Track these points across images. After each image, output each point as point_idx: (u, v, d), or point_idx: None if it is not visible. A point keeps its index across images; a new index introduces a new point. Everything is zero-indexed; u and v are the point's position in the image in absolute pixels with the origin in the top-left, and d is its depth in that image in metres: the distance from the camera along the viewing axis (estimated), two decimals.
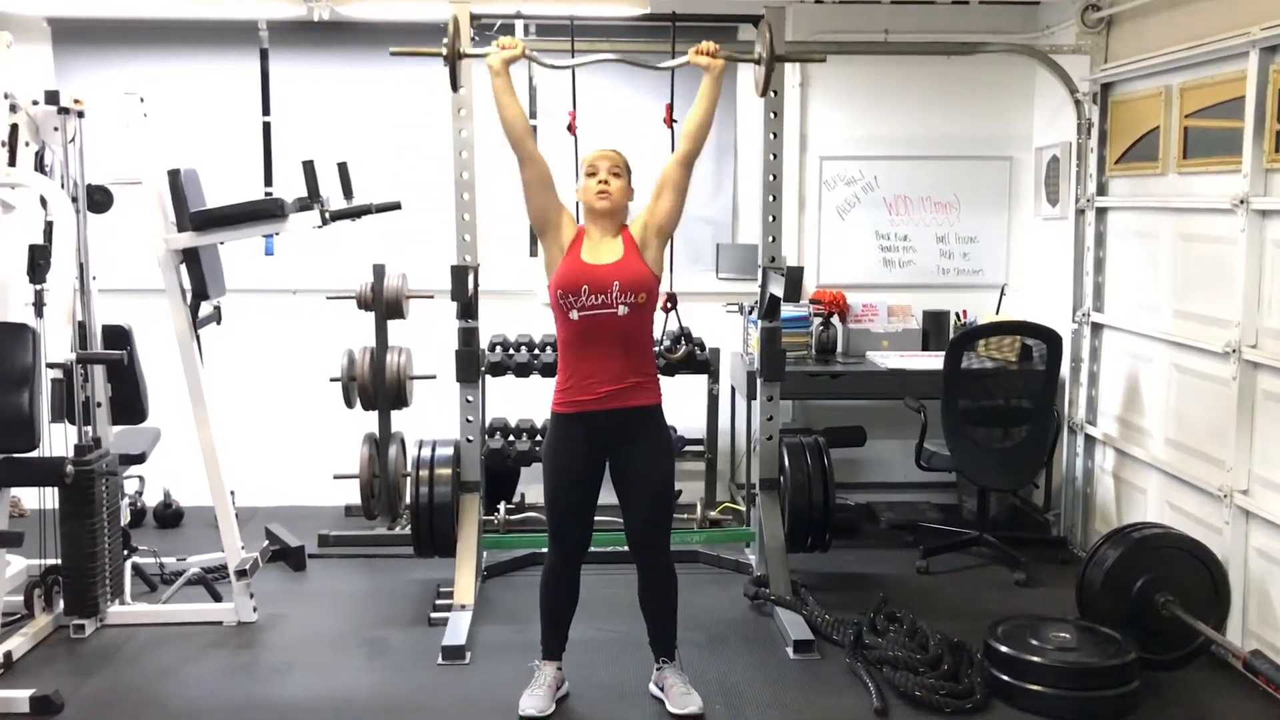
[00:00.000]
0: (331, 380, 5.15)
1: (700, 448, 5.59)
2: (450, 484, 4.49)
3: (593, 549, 3.60)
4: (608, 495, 3.52)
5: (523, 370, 5.16)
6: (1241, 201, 3.87)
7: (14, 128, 3.90)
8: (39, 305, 3.83)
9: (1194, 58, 4.21)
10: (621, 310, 3.37)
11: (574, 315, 3.38)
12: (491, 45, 3.54)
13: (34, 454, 3.76)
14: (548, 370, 5.07)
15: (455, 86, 3.85)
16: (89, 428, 4.11)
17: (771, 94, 4.38)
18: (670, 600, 3.60)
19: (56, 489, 3.92)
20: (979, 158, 5.87)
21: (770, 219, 4.52)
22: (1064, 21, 5.23)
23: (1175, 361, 4.42)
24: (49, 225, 3.94)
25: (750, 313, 5.32)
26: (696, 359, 5.18)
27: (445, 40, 3.67)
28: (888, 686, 3.66)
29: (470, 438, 4.52)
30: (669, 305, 4.25)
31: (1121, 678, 3.55)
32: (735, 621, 4.31)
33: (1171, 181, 4.46)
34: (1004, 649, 3.63)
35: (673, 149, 4.38)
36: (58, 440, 3.93)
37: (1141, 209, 4.73)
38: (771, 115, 4.44)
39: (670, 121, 4.11)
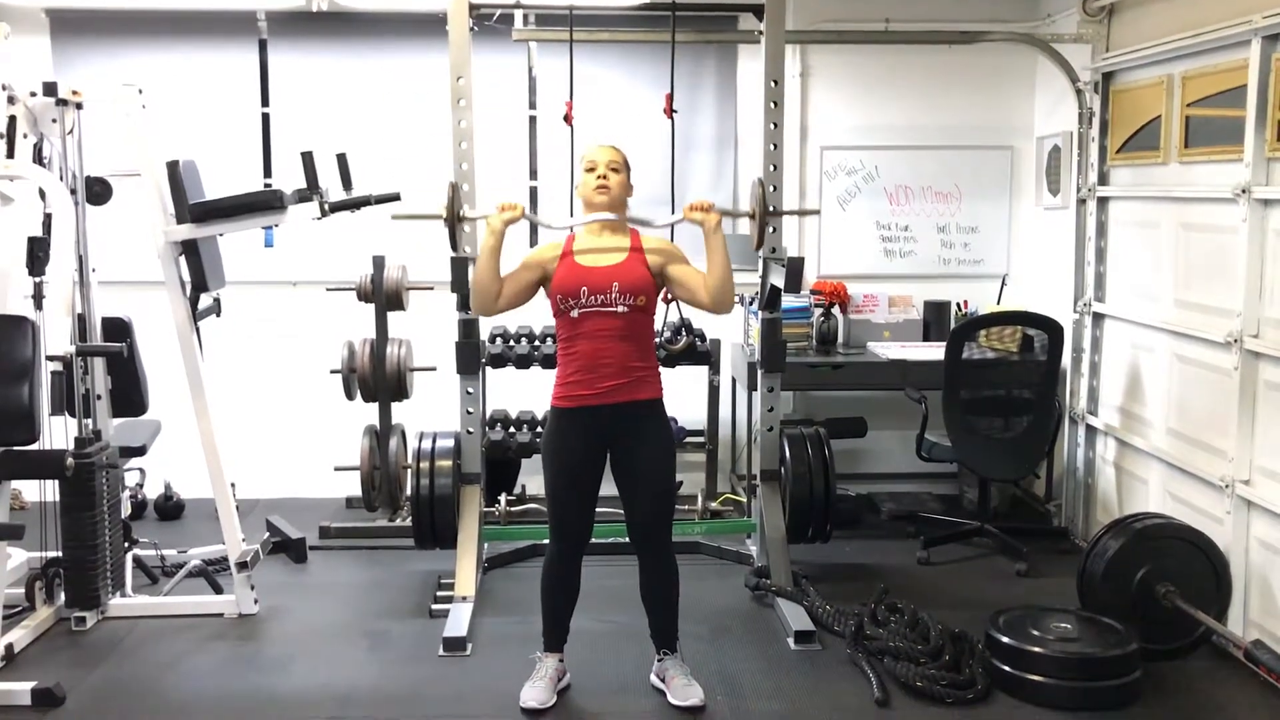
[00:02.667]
0: (332, 372, 5.15)
1: (701, 439, 5.58)
2: (451, 476, 4.49)
3: (594, 540, 3.60)
4: (609, 486, 3.52)
5: (523, 362, 5.16)
6: (1243, 191, 3.86)
7: (12, 119, 3.89)
8: (38, 298, 3.83)
9: (1196, 46, 4.19)
10: (621, 309, 3.37)
11: (574, 314, 3.39)
12: (493, 208, 3.51)
13: (34, 447, 3.76)
14: (548, 362, 5.06)
15: (455, 247, 3.93)
16: (89, 420, 4.11)
17: (772, 84, 4.37)
18: (671, 591, 3.60)
19: (57, 482, 3.92)
20: (980, 147, 5.85)
21: (771, 209, 4.50)
22: (1065, 10, 5.22)
23: (1177, 351, 4.41)
24: (48, 217, 3.93)
25: (751, 304, 5.31)
26: (697, 350, 5.17)
27: (445, 205, 3.76)
28: (889, 677, 3.66)
29: (471, 429, 4.52)
30: (670, 297, 4.24)
31: (1123, 668, 3.55)
32: (736, 612, 4.31)
33: (1173, 171, 4.45)
34: (1005, 639, 3.62)
35: (672, 140, 4.39)
36: (58, 433, 3.93)
37: (1143, 198, 4.71)
38: (772, 105, 4.43)
39: (670, 111, 4.10)
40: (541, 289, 3.51)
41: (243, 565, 4.23)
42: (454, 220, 3.78)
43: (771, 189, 4.49)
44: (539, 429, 5.22)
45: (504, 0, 4.82)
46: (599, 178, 3.45)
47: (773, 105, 4.44)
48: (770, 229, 4.23)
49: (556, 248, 3.49)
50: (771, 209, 3.83)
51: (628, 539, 3.58)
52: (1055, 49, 5.13)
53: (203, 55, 5.64)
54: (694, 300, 3.52)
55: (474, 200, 4.42)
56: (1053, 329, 4.77)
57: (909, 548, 5.00)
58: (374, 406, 5.17)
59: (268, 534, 4.93)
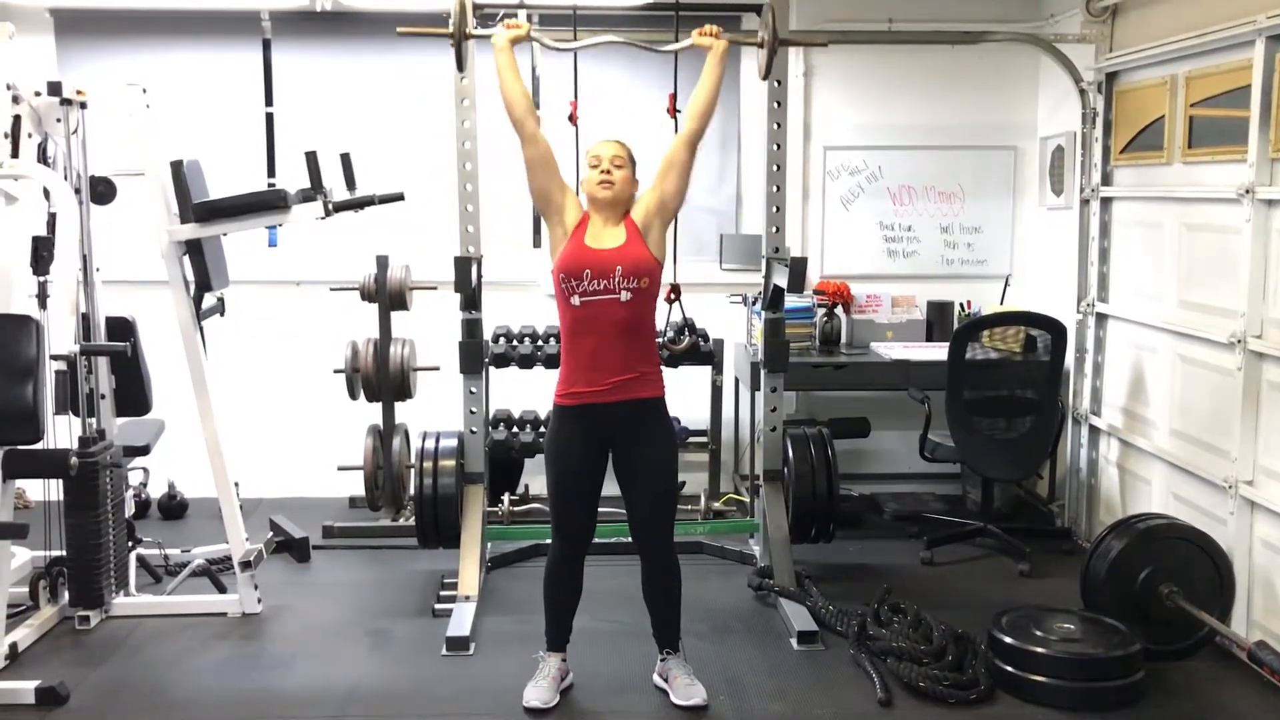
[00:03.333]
0: (335, 372, 5.15)
1: (704, 439, 5.58)
2: (454, 475, 4.49)
3: (596, 540, 3.61)
4: (611, 486, 3.52)
5: (526, 362, 5.16)
6: (1247, 191, 3.86)
7: (16, 119, 3.90)
8: (42, 297, 3.83)
9: (1199, 46, 4.19)
10: (624, 295, 3.36)
11: (576, 301, 3.37)
12: (497, 25, 3.53)
13: (38, 446, 3.76)
14: (551, 362, 5.07)
15: (461, 66, 3.86)
16: (93, 419, 4.11)
17: (775, 83, 4.37)
18: (674, 591, 3.60)
19: (61, 481, 3.92)
20: (983, 147, 5.85)
21: (774, 209, 4.51)
22: (1069, 10, 5.21)
23: (1180, 352, 4.40)
24: (52, 217, 3.93)
25: (754, 303, 5.32)
26: (700, 350, 5.17)
27: (451, 20, 3.66)
28: (891, 677, 3.66)
29: (474, 429, 4.52)
30: (673, 296, 4.24)
31: (1126, 669, 3.55)
32: (739, 612, 4.31)
33: (1177, 171, 4.45)
34: (1008, 640, 3.62)
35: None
36: (62, 432, 3.93)
37: (1146, 199, 4.71)
38: (775, 105, 4.43)
39: (673, 111, 4.10)
40: (546, 284, 3.51)
41: (246, 564, 4.23)
42: (460, 37, 3.71)
43: (775, 189, 4.50)
44: (542, 429, 5.23)
45: (507, 0, 4.83)
46: (603, 172, 3.45)
47: (776, 105, 4.44)
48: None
49: (576, 215, 3.49)
50: (780, 38, 3.78)
51: (630, 538, 3.58)
52: (1059, 49, 5.13)
53: (207, 55, 5.65)
54: (676, 157, 3.51)
55: (478, 202, 4.42)
56: (1056, 329, 4.77)
57: (912, 548, 5.00)
58: (377, 406, 5.17)
59: (271, 533, 4.93)
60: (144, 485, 5.52)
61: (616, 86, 5.55)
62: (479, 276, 4.43)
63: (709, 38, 3.58)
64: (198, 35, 5.62)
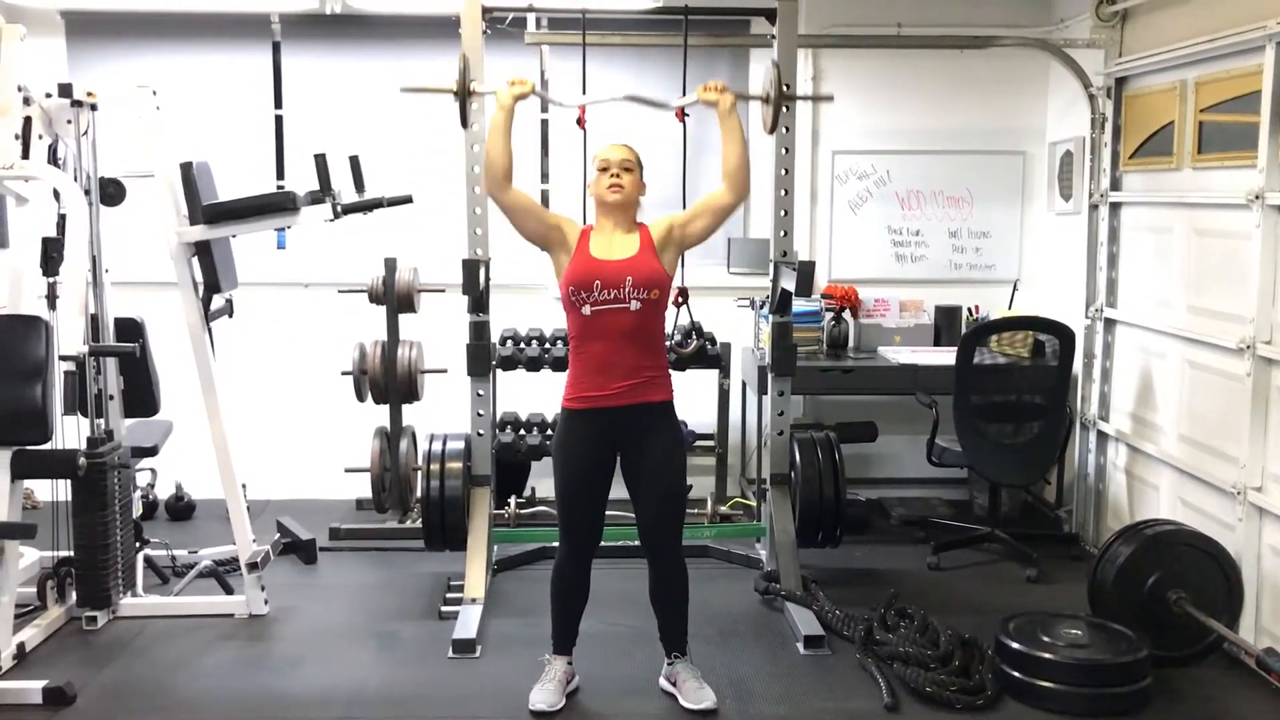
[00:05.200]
0: (343, 374, 5.16)
1: (711, 443, 5.58)
2: (461, 478, 4.49)
3: (603, 543, 3.60)
4: (619, 490, 3.52)
5: (534, 364, 5.16)
6: (1257, 197, 3.85)
7: (27, 120, 3.91)
8: (52, 298, 3.85)
9: (1209, 51, 4.18)
10: (634, 305, 3.36)
11: (586, 310, 3.37)
12: (503, 82, 3.52)
13: (47, 446, 3.77)
14: (559, 364, 5.07)
15: (465, 123, 3.89)
16: (101, 420, 4.13)
17: (784, 88, 4.36)
18: (681, 595, 3.60)
19: (69, 481, 3.93)
20: (992, 152, 5.85)
21: (782, 213, 4.50)
22: (1078, 15, 5.21)
23: (1189, 357, 4.39)
24: (62, 218, 3.95)
25: (761, 307, 5.31)
26: (707, 354, 5.17)
27: (456, 79, 3.71)
28: (898, 682, 3.65)
29: (481, 432, 4.52)
30: (680, 300, 4.24)
31: (1133, 674, 3.54)
32: (745, 616, 4.31)
33: (1186, 176, 4.44)
34: (1015, 645, 3.61)
35: (684, 144, 4.39)
36: (70, 433, 3.94)
37: (1156, 204, 4.70)
38: (783, 109, 4.42)
39: (681, 116, 4.10)
40: (554, 287, 3.51)
41: (253, 566, 4.24)
42: (464, 94, 3.73)
43: (783, 193, 4.49)
44: (549, 431, 5.23)
45: (517, 4, 4.84)
46: (612, 176, 3.45)
47: (784, 109, 4.43)
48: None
49: (575, 232, 3.49)
50: (786, 88, 3.77)
51: (638, 542, 3.58)
52: (1068, 54, 5.12)
53: (216, 57, 5.66)
54: (716, 206, 3.49)
55: (486, 206, 4.42)
56: (1064, 334, 4.75)
57: (919, 553, 4.99)
58: (385, 408, 5.18)
59: (278, 535, 4.95)
60: (152, 486, 5.53)
61: (624, 90, 5.54)
62: (487, 279, 4.43)
63: (713, 93, 3.51)
64: (208, 38, 5.64)
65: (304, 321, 5.75)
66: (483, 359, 4.48)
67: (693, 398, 5.28)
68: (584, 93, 4.30)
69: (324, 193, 4.22)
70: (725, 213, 3.52)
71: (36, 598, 4.11)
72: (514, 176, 3.47)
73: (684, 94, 4.11)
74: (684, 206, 4.33)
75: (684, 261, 4.18)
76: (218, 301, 4.38)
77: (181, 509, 5.53)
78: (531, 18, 5.37)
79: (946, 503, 5.77)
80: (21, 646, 3.82)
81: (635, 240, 3.46)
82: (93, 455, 3.90)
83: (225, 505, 4.29)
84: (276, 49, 5.64)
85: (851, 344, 5.72)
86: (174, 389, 4.63)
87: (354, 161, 4.34)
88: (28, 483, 4.20)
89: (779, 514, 4.56)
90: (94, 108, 4.10)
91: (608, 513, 3.56)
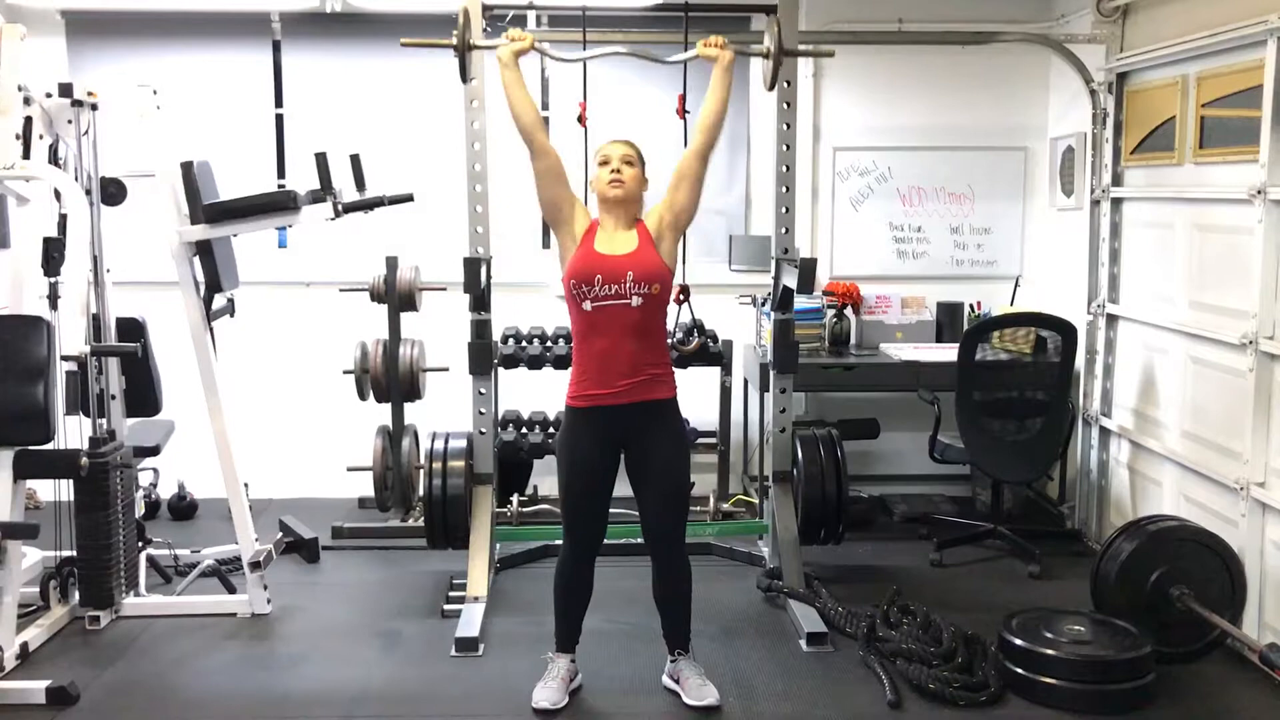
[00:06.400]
0: (344, 373, 5.16)
1: (713, 440, 5.58)
2: (463, 476, 4.49)
3: (607, 541, 3.60)
4: (622, 488, 3.52)
5: (535, 362, 5.16)
6: (1259, 192, 3.84)
7: (28, 120, 3.91)
8: (53, 298, 3.84)
9: (1211, 46, 4.17)
10: (635, 301, 3.36)
11: (587, 306, 3.37)
12: (501, 38, 3.53)
13: (49, 446, 3.78)
14: (560, 362, 5.07)
15: (465, 78, 3.87)
16: (103, 420, 4.13)
17: (784, 84, 4.37)
18: (684, 593, 3.60)
19: (72, 481, 3.93)
20: (993, 148, 5.84)
21: (783, 210, 4.50)
22: (1079, 10, 5.20)
23: (1191, 353, 4.39)
24: (63, 218, 3.95)
25: (763, 305, 5.30)
26: (709, 351, 5.16)
27: (455, 31, 3.67)
28: (901, 679, 3.65)
29: (483, 430, 4.52)
30: (681, 298, 4.24)
31: (1136, 671, 3.53)
32: (748, 614, 4.31)
33: (1188, 172, 4.43)
34: (1018, 642, 3.61)
35: (685, 141, 4.39)
36: (72, 433, 3.95)
37: (1157, 199, 4.70)
38: (784, 106, 4.43)
39: (682, 113, 4.10)
40: (556, 285, 3.50)
41: (256, 565, 4.24)
42: (464, 48, 3.71)
43: (784, 190, 4.49)
44: (551, 429, 5.23)
45: (517, 1, 4.83)
46: (613, 171, 3.45)
47: (785, 106, 4.44)
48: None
49: (585, 221, 3.49)
50: (785, 48, 3.75)
51: (641, 540, 3.58)
52: (1069, 49, 5.12)
53: (217, 56, 5.66)
54: (688, 166, 3.50)
55: (488, 204, 4.42)
56: (1066, 330, 4.75)
57: (921, 549, 4.99)
58: (387, 407, 5.18)
59: (281, 534, 4.95)
60: (154, 486, 5.54)
61: (626, 86, 5.55)
62: (488, 277, 4.43)
63: (714, 48, 3.54)
64: (208, 37, 5.63)
65: (305, 320, 5.74)
66: (485, 357, 4.48)
67: (695, 395, 5.27)
68: (584, 93, 4.29)
69: (325, 191, 4.21)
70: (698, 169, 3.50)
71: (39, 597, 4.11)
72: (545, 129, 3.50)
73: (683, 90, 4.11)
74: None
75: (685, 259, 4.19)
76: (219, 301, 4.37)
77: (184, 508, 5.53)
78: (532, 15, 5.36)
79: (949, 499, 5.77)
80: (25, 646, 3.82)
81: (634, 236, 3.46)
82: (95, 455, 3.91)
83: (228, 504, 4.28)
84: (277, 48, 5.64)
85: (853, 341, 5.72)
86: (176, 388, 4.63)
87: (355, 160, 4.34)
88: (30, 483, 4.21)
89: (781, 511, 4.56)
90: (94, 107, 4.10)
91: (611, 510, 3.56)
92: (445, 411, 5.09)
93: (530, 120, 3.47)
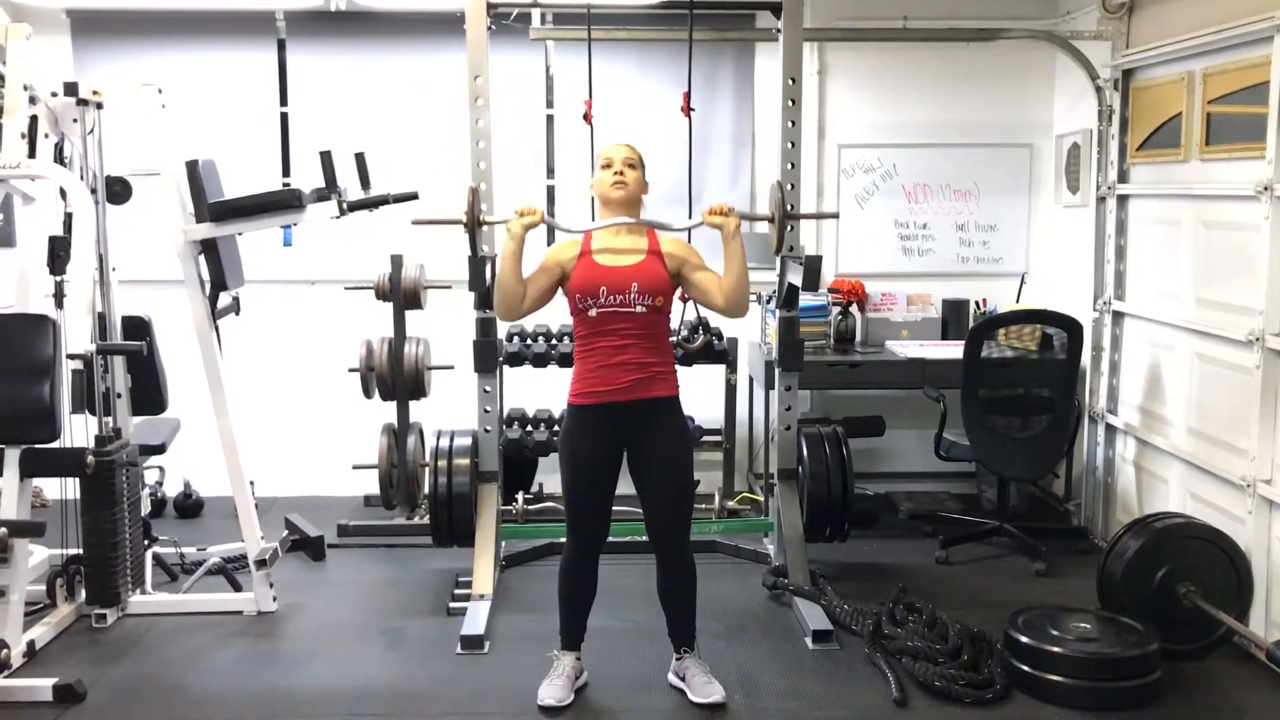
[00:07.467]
0: (350, 371, 5.17)
1: (718, 438, 5.57)
2: (468, 474, 4.49)
3: (611, 539, 3.60)
4: (626, 485, 3.52)
5: (540, 360, 5.16)
6: (1266, 188, 3.83)
7: (33, 119, 3.92)
8: (59, 296, 3.84)
9: (1217, 43, 4.16)
10: (639, 309, 3.38)
11: (593, 313, 3.39)
12: (511, 213, 3.52)
13: (55, 445, 3.78)
14: (565, 360, 5.07)
15: (474, 250, 3.91)
16: (109, 418, 4.13)
17: (789, 81, 4.36)
18: (689, 590, 3.60)
19: (78, 479, 3.94)
20: (999, 145, 5.83)
21: (788, 207, 4.48)
22: (1085, 7, 5.19)
23: (1197, 350, 4.38)
24: (68, 217, 3.95)
25: (768, 302, 5.30)
26: (714, 349, 5.17)
27: (465, 210, 3.76)
28: (907, 677, 3.65)
29: (488, 428, 4.52)
30: (686, 297, 4.23)
31: (1143, 668, 3.53)
32: (754, 611, 4.31)
33: (1194, 168, 4.42)
34: (1024, 639, 3.61)
35: (689, 139, 4.39)
36: (78, 431, 3.95)
37: (1163, 196, 4.69)
38: (789, 103, 4.41)
39: (687, 110, 4.10)
40: (560, 288, 3.51)
41: (261, 563, 4.25)
42: (474, 225, 3.79)
43: (789, 187, 4.48)
44: (556, 427, 5.23)
45: (522, 0, 4.83)
46: (615, 174, 3.46)
47: (790, 103, 4.43)
48: (789, 228, 4.21)
49: (574, 246, 3.50)
50: (790, 208, 3.81)
51: (646, 537, 3.58)
52: (1075, 46, 5.11)
53: (222, 55, 5.66)
54: (709, 303, 3.53)
55: (492, 200, 4.42)
56: (1072, 327, 4.74)
57: (927, 547, 4.98)
58: (392, 405, 5.18)
59: (286, 532, 4.93)
60: (160, 484, 5.54)
61: (630, 85, 5.55)
62: (493, 275, 4.42)
63: (718, 216, 3.46)
64: (213, 35, 5.64)
65: (311, 319, 5.75)
66: (489, 355, 4.48)
67: (700, 393, 5.27)
68: (589, 91, 4.29)
69: (330, 190, 4.22)
70: (712, 310, 3.56)
71: (46, 596, 4.12)
72: (526, 292, 3.43)
73: (688, 87, 4.11)
74: (688, 206, 4.37)
75: None
76: (224, 299, 4.38)
77: (190, 506, 5.54)
78: (536, 13, 5.36)
79: (954, 497, 5.77)
80: (31, 644, 3.83)
81: (643, 244, 3.46)
82: (101, 453, 3.91)
83: (233, 502, 4.29)
84: (281, 46, 5.65)
85: (859, 338, 5.71)
86: (181, 387, 4.64)
87: (359, 158, 4.34)
88: (36, 481, 4.21)
89: (787, 509, 4.56)
90: (100, 106, 4.11)
91: (616, 508, 3.56)
92: (450, 409, 5.10)
93: (517, 299, 3.41)
